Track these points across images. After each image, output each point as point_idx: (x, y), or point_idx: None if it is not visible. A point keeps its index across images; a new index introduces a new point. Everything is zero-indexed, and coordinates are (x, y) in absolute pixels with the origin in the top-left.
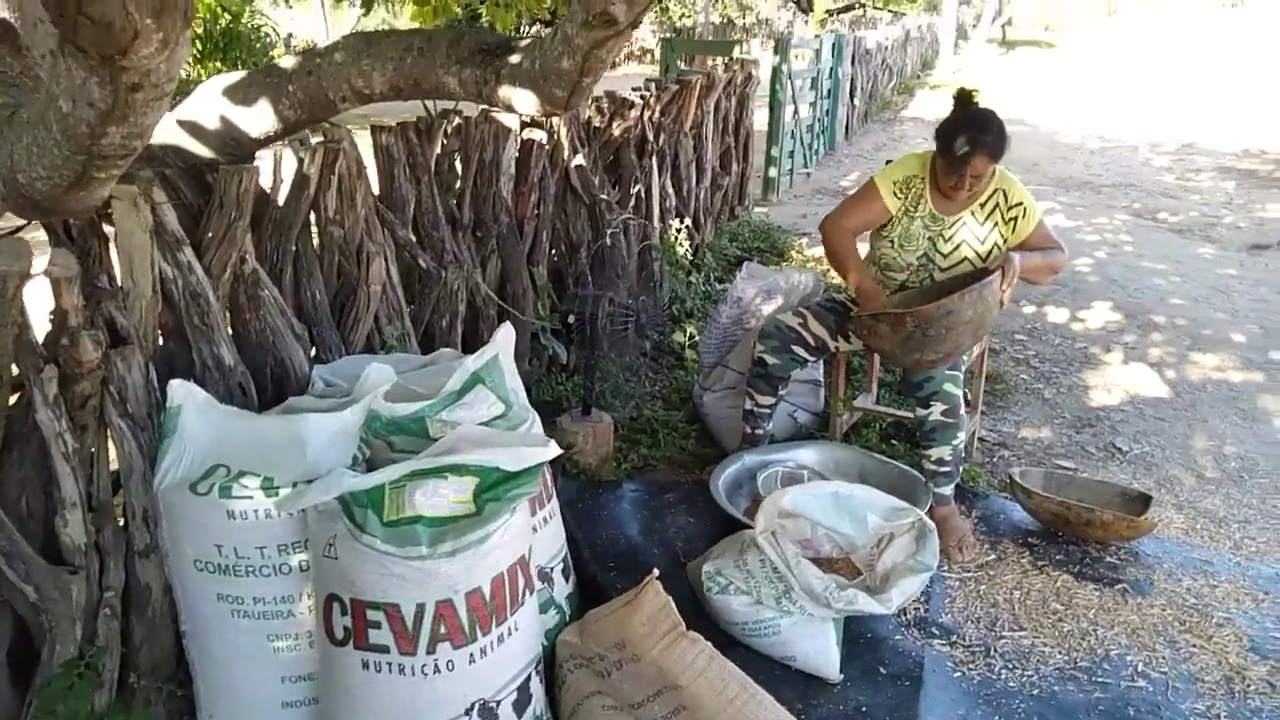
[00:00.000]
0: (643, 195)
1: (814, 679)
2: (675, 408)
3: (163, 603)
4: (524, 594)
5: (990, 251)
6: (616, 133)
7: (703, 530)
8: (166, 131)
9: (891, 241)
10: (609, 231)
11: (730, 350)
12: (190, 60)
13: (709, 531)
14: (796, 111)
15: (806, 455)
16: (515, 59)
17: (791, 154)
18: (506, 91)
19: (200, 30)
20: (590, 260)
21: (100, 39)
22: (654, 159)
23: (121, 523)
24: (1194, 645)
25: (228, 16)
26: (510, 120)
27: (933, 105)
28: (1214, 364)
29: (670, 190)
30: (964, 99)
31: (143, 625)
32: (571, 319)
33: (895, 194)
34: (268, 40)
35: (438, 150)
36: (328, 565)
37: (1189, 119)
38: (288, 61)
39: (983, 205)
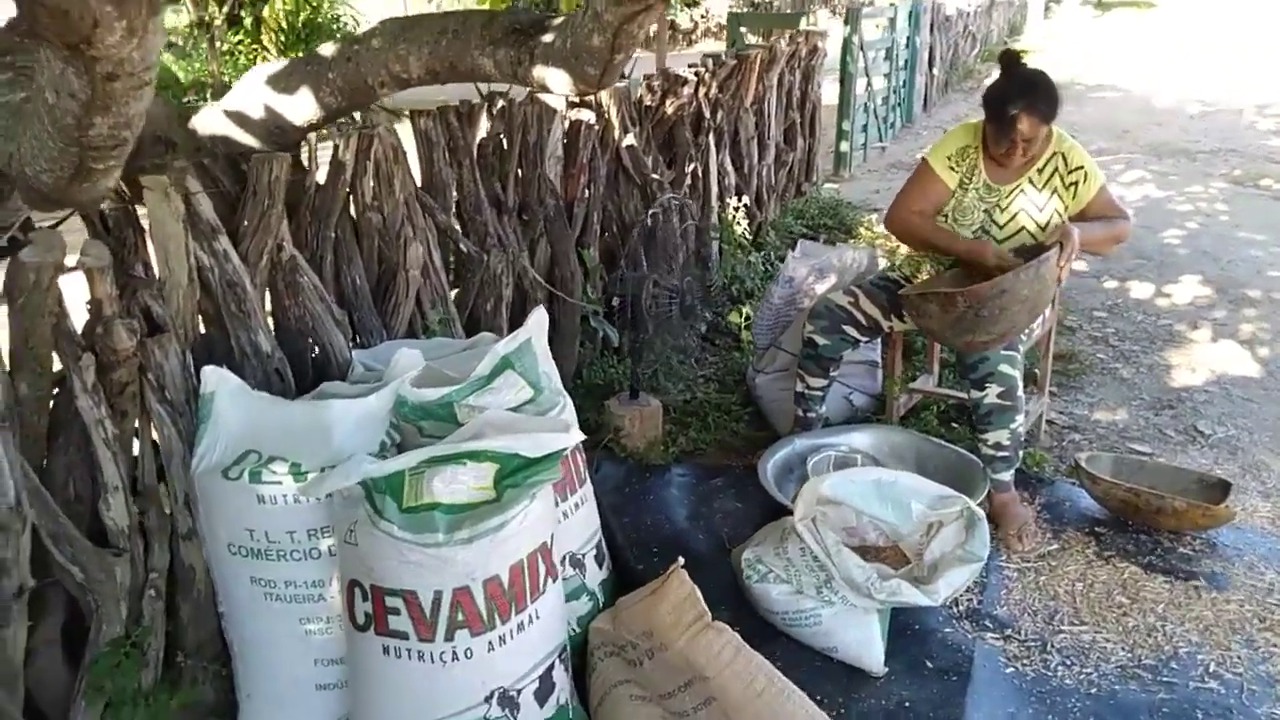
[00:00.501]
0: (699, 174)
1: (857, 671)
2: (729, 390)
3: (207, 584)
4: (545, 582)
5: (1049, 221)
6: (670, 110)
7: (750, 516)
8: (214, 122)
9: (945, 216)
10: (650, 212)
11: (783, 331)
12: (274, 51)
13: (757, 517)
14: (869, 84)
15: (860, 439)
16: (548, 38)
17: (865, 128)
18: (540, 71)
19: (284, 23)
20: (640, 241)
21: (59, 27)
22: (711, 136)
23: (166, 507)
24: (1275, 644)
25: (309, 8)
26: (556, 102)
27: None
28: None
29: (730, 168)
30: (1011, 61)
31: (188, 606)
32: (616, 302)
33: (951, 168)
34: (347, 29)
35: (481, 134)
36: (349, 551)
37: None
38: (328, 49)
39: (1040, 171)
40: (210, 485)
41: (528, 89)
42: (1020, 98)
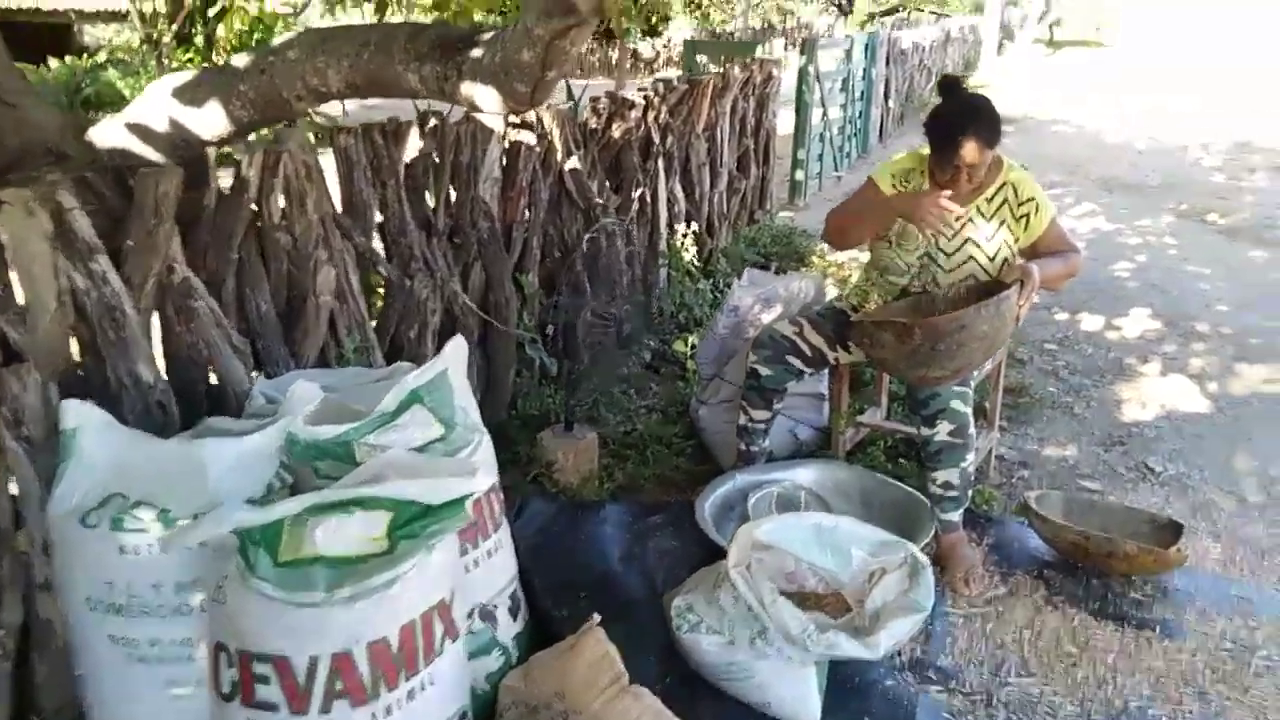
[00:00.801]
0: (648, 199)
1: None
2: (672, 421)
3: (67, 640)
4: (443, 643)
5: (998, 252)
6: (616, 134)
7: (688, 557)
8: (114, 135)
9: (889, 241)
10: (586, 237)
11: (728, 361)
12: None
13: (694, 558)
14: (825, 114)
15: (804, 475)
16: (476, 53)
17: (820, 157)
18: (468, 88)
19: (236, 42)
20: (581, 267)
21: None
22: (660, 161)
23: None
24: (1228, 698)
25: (263, 28)
26: (494, 122)
27: None
28: (1262, 376)
29: (680, 194)
30: (951, 85)
31: (45, 665)
32: (550, 330)
33: (895, 186)
34: None
35: (412, 154)
36: (216, 610)
37: (1245, 117)
38: (241, 59)
39: (989, 200)
40: (67, 531)
41: (464, 108)
42: (963, 123)
